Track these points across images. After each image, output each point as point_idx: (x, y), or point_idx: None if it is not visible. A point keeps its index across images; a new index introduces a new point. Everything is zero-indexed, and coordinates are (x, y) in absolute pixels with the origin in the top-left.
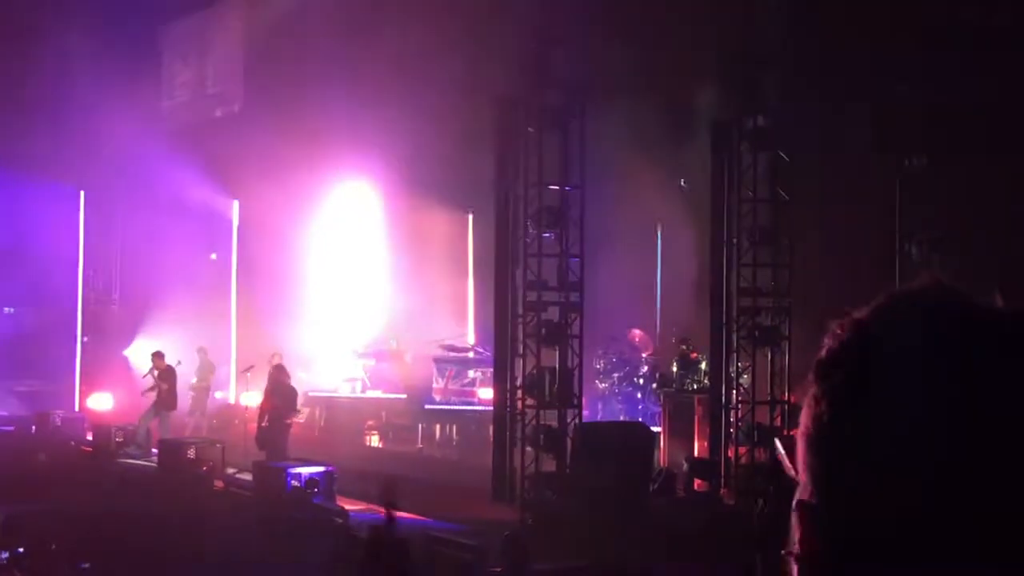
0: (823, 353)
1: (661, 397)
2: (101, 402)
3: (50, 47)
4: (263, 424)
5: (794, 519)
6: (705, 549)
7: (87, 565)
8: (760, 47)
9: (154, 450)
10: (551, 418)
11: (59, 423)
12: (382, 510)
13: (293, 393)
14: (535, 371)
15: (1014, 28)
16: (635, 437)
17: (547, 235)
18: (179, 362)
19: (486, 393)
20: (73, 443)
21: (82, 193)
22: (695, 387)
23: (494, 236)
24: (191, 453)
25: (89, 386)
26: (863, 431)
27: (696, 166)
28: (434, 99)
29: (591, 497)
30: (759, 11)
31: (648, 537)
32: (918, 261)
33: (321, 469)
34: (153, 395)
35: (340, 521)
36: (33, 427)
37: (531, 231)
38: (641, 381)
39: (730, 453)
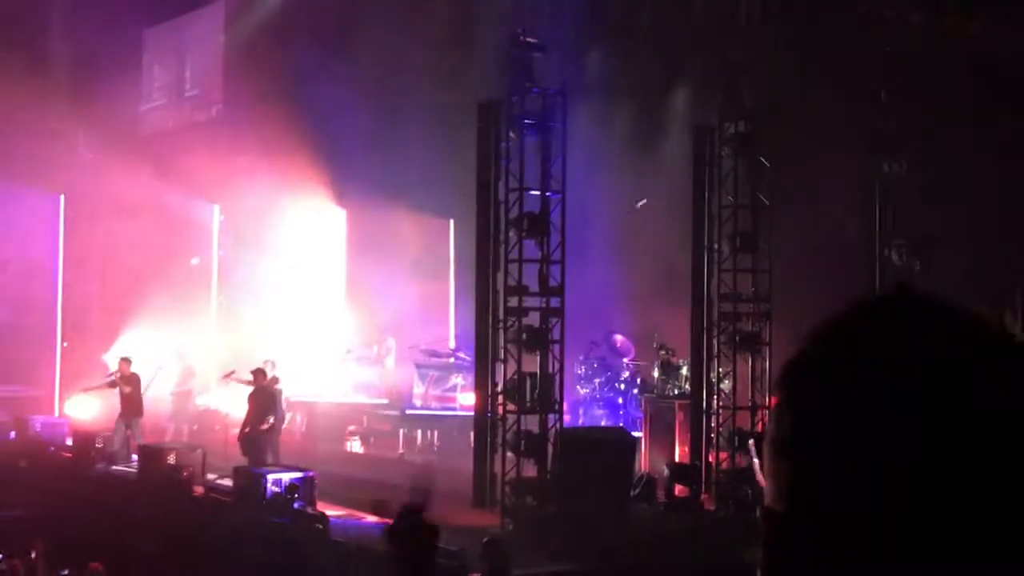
0: (789, 363)
1: (642, 402)
2: (82, 407)
3: (31, 50)
4: (246, 430)
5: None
6: (686, 554)
7: (67, 572)
8: (741, 53)
9: (133, 456)
10: (532, 423)
11: (39, 429)
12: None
13: (272, 400)
14: (516, 376)
15: (992, 36)
16: (616, 442)
17: (528, 240)
18: (160, 368)
19: (467, 398)
20: (53, 449)
21: (62, 197)
22: (676, 392)
23: (475, 241)
24: (171, 459)
25: (70, 391)
26: (827, 440)
27: (676, 171)
28: (415, 104)
29: (572, 503)
30: (740, 17)
31: (629, 542)
32: (898, 265)
33: (301, 475)
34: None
35: (320, 527)
36: (13, 433)
37: (512, 236)
38: (622, 386)
39: (711, 458)
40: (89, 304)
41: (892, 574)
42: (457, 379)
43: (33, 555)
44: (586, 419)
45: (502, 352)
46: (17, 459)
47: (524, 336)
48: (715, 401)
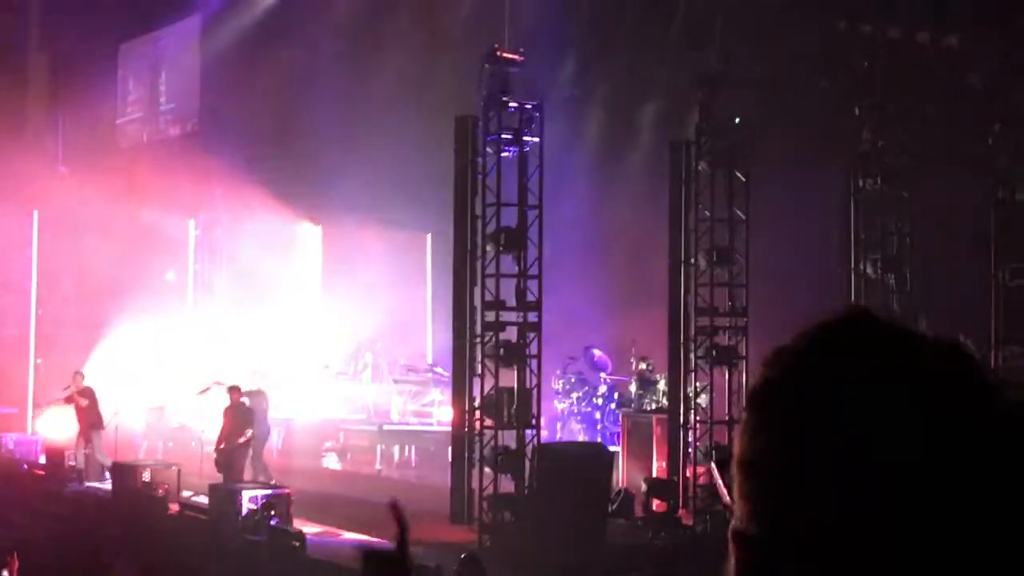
0: (757, 383)
1: (620, 417)
2: (54, 425)
3: (6, 65)
4: (221, 447)
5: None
6: (664, 570)
7: None
8: (717, 67)
9: (107, 474)
10: (510, 439)
11: (12, 446)
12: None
13: (249, 413)
14: (493, 391)
15: (966, 52)
16: (594, 457)
17: (505, 255)
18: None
19: (445, 414)
20: (26, 467)
21: (35, 213)
22: (654, 407)
23: (452, 256)
24: (146, 476)
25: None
26: (797, 462)
27: (653, 185)
28: (391, 119)
29: (549, 518)
30: (716, 32)
31: (607, 558)
32: (873, 279)
33: (278, 492)
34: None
35: (297, 544)
36: None
37: (489, 251)
38: (600, 401)
39: (689, 473)
40: (63, 320)
41: None
42: (434, 394)
43: (5, 574)
44: (564, 434)
45: (479, 367)
46: None
47: (501, 351)
48: (692, 415)
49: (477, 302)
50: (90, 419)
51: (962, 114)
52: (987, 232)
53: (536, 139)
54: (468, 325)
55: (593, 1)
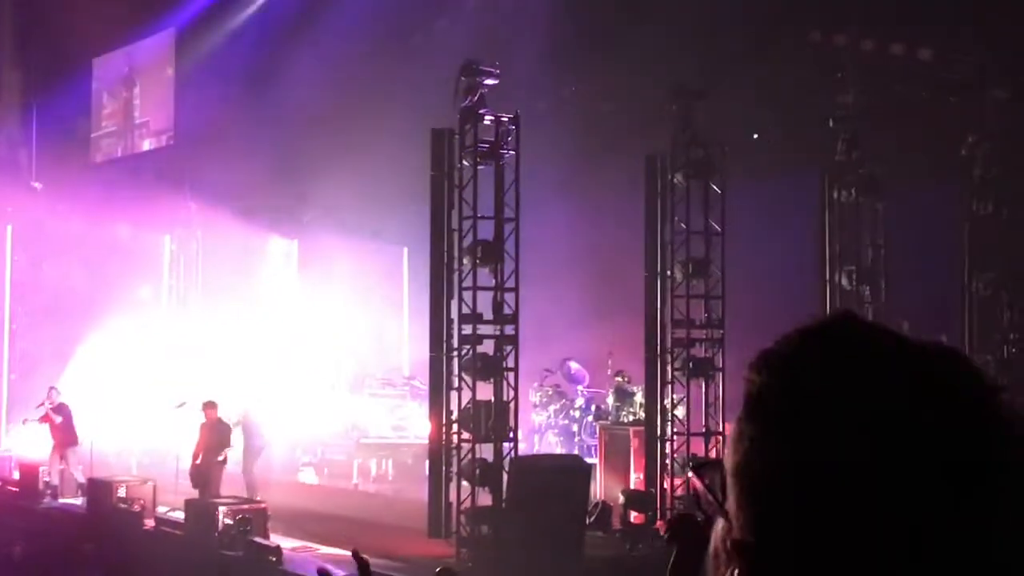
0: (750, 390)
1: (597, 429)
2: (28, 440)
3: None
4: (196, 462)
5: (731, 556)
6: None
7: None
8: (693, 79)
9: (81, 491)
10: (487, 452)
11: None
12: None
13: (227, 429)
14: (471, 404)
15: (940, 64)
16: (571, 470)
17: (482, 268)
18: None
19: (422, 427)
20: (0, 483)
21: (9, 228)
22: (631, 419)
23: (429, 269)
24: (121, 492)
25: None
26: (795, 470)
27: (629, 197)
28: (366, 132)
29: (527, 531)
30: (692, 44)
31: (584, 570)
32: (848, 290)
33: (254, 507)
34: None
35: (274, 559)
36: None
37: (466, 264)
38: (577, 414)
39: (666, 485)
40: (37, 335)
41: None
42: (411, 408)
43: None
44: (541, 447)
45: (456, 380)
46: None
47: (478, 364)
48: (670, 427)
49: (454, 315)
50: (65, 436)
51: (936, 126)
52: (960, 243)
53: (512, 152)
54: (445, 338)
55: (569, 14)
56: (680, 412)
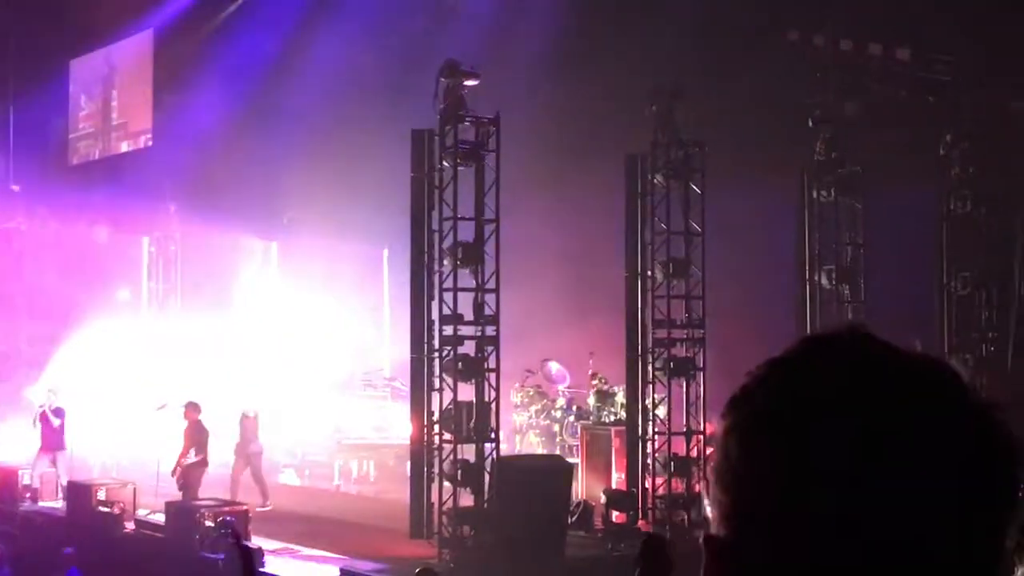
0: (738, 391)
1: (579, 429)
2: (5, 443)
3: None
4: (178, 465)
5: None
6: None
7: None
8: (673, 79)
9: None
10: (469, 452)
11: None
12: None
13: (203, 433)
14: (452, 405)
15: (918, 65)
16: (553, 470)
17: (463, 269)
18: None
19: (403, 428)
20: None
21: None
22: (612, 419)
23: (409, 271)
24: (101, 494)
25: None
26: (773, 471)
27: (610, 198)
28: (346, 133)
29: (509, 531)
30: (672, 44)
31: (566, 570)
32: (827, 290)
33: (236, 509)
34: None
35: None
36: None
37: (447, 265)
38: (559, 414)
39: (648, 484)
40: (15, 337)
41: None
42: (393, 409)
43: None
44: (523, 447)
45: (438, 381)
46: None
47: (460, 365)
48: (651, 427)
49: (435, 316)
50: (58, 440)
51: (914, 126)
52: (938, 242)
53: (493, 152)
54: (426, 339)
55: (550, 15)
56: (661, 412)
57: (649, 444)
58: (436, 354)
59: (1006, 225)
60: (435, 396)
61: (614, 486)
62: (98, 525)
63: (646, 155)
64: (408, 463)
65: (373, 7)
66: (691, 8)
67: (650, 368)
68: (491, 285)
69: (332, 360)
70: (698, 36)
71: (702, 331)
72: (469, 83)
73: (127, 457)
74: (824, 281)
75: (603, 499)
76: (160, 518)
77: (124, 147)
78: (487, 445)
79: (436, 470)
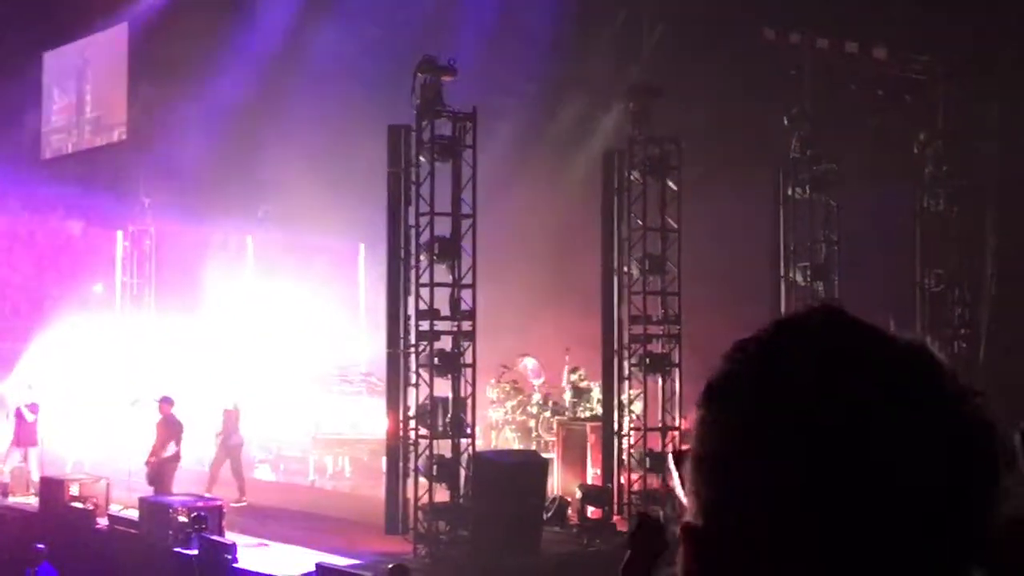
0: (714, 378)
1: (555, 425)
2: None
3: None
4: (151, 459)
5: (680, 541)
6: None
7: None
8: (650, 77)
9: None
10: (444, 448)
11: None
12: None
13: (177, 426)
14: (428, 401)
15: (894, 63)
16: (528, 466)
17: (439, 264)
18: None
19: (379, 423)
20: None
21: None
22: (588, 415)
23: (386, 266)
24: (74, 490)
25: None
26: (751, 460)
27: (586, 194)
28: (322, 127)
29: (485, 527)
30: (650, 42)
31: (541, 566)
32: (802, 286)
33: (209, 503)
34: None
35: (229, 557)
36: None
37: (423, 260)
38: (535, 409)
39: (623, 480)
40: None
41: None
42: (368, 404)
43: None
44: (499, 443)
45: (413, 376)
46: None
47: (436, 360)
48: (626, 423)
49: (411, 311)
50: (31, 435)
51: (889, 124)
52: (912, 239)
53: (470, 148)
54: (402, 334)
55: (528, 10)
56: (637, 408)
57: (625, 440)
58: (412, 349)
59: (978, 223)
60: (411, 391)
61: (590, 482)
62: (71, 521)
63: (623, 151)
64: (383, 458)
65: (351, 3)
66: (668, 5)
67: (626, 364)
68: (467, 280)
69: (307, 355)
70: (675, 33)
71: (678, 327)
72: (446, 78)
73: (100, 452)
74: (799, 278)
75: (579, 495)
76: (133, 513)
77: (98, 140)
78: (463, 440)
79: (412, 465)
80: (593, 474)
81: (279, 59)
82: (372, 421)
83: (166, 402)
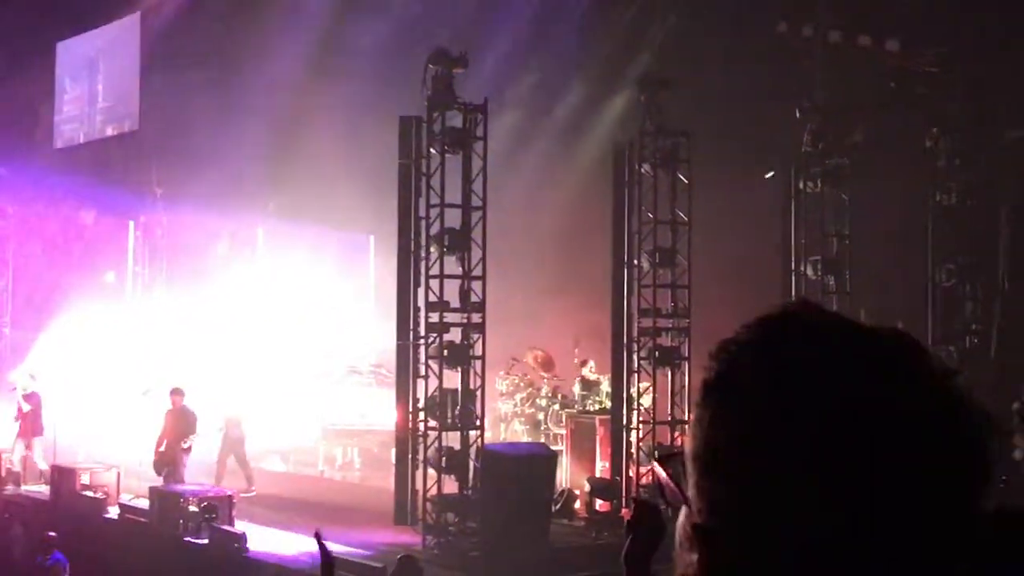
0: (709, 377)
1: (564, 418)
2: None
3: None
4: (160, 449)
5: (693, 543)
6: (607, 570)
7: None
8: (661, 70)
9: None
10: (454, 440)
11: None
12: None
13: (192, 416)
14: (437, 392)
15: (907, 56)
16: (537, 458)
17: (449, 256)
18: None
19: (388, 415)
20: None
21: None
22: (597, 408)
23: (396, 258)
24: (85, 479)
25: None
26: (757, 454)
27: (597, 187)
28: (333, 119)
29: (493, 519)
30: (661, 35)
31: (550, 558)
32: (813, 280)
33: (219, 493)
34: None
35: (239, 546)
36: None
37: (433, 252)
38: (544, 402)
39: (632, 473)
40: None
41: None
42: (378, 395)
43: None
44: (507, 435)
45: (423, 368)
46: None
47: (445, 352)
48: (635, 416)
49: (421, 303)
50: (32, 425)
51: (901, 117)
52: (924, 233)
53: (481, 140)
54: (412, 326)
55: (539, 3)
56: (646, 401)
57: (633, 433)
58: (422, 341)
59: (991, 217)
60: (420, 383)
61: (598, 475)
62: (82, 509)
63: (633, 144)
64: (393, 450)
65: None
66: None
67: (635, 357)
68: (477, 272)
69: (317, 346)
70: (686, 26)
71: (687, 320)
72: (458, 70)
73: (111, 441)
74: (810, 272)
75: (587, 487)
76: (144, 503)
77: (109, 130)
78: (472, 432)
79: (421, 457)
80: (602, 467)
81: (291, 51)
82: (382, 412)
83: (178, 392)
